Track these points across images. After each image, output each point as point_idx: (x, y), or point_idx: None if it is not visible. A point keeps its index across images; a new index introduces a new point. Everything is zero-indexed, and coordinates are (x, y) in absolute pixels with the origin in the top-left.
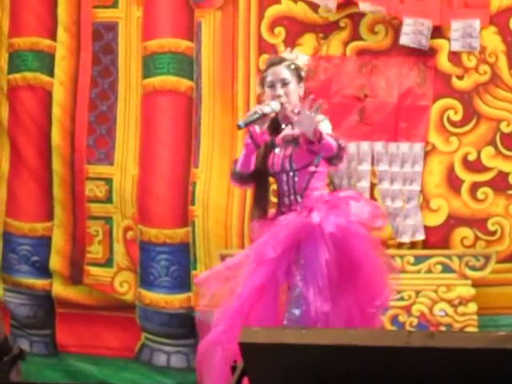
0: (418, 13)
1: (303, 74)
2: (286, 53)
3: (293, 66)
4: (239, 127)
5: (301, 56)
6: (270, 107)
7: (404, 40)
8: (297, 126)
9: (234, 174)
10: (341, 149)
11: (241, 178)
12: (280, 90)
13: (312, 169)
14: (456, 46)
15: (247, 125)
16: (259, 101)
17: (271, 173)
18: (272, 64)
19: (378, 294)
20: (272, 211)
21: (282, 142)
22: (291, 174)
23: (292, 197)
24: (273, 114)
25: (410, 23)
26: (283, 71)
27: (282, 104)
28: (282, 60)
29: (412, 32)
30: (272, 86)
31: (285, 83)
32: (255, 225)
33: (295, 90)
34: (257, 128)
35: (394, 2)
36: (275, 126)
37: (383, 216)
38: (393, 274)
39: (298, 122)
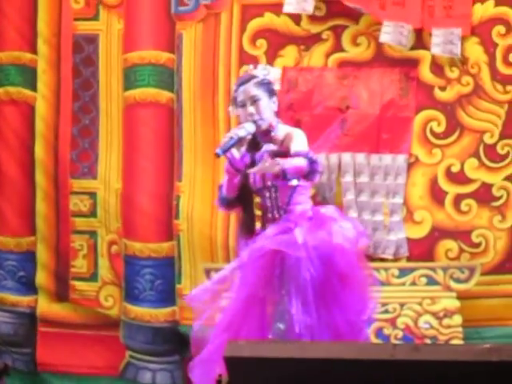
0: (399, 19)
1: (275, 88)
2: (257, 69)
3: (262, 82)
4: (217, 155)
5: (273, 70)
6: (245, 130)
7: (384, 38)
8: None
9: (221, 199)
10: (312, 163)
11: (228, 203)
12: (251, 108)
13: (294, 183)
14: (436, 50)
15: (225, 152)
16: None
17: (254, 190)
18: (241, 83)
19: (364, 307)
20: (257, 226)
21: (262, 159)
22: (273, 189)
23: (275, 212)
24: (249, 136)
25: (390, 24)
26: (252, 89)
27: (255, 122)
28: (250, 78)
29: (392, 31)
30: (243, 105)
31: (255, 100)
32: (242, 243)
33: (267, 105)
34: (235, 152)
35: (374, 8)
36: (254, 144)
37: (365, 233)
38: (375, 286)
39: (258, 170)
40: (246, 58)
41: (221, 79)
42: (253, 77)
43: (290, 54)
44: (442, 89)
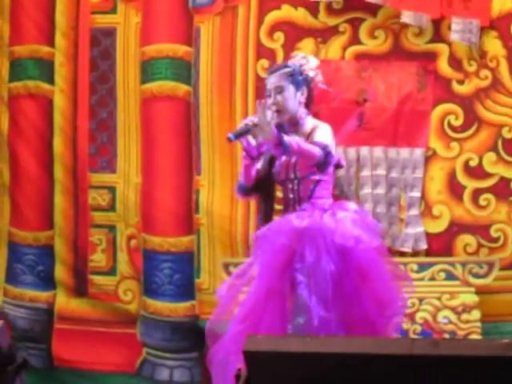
0: (417, 10)
1: (303, 78)
2: (297, 57)
3: (291, 73)
4: (229, 140)
5: (312, 60)
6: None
7: (406, 20)
8: (258, 136)
9: (239, 186)
10: (327, 155)
11: (245, 190)
12: (273, 99)
13: (316, 177)
14: (456, 37)
15: (237, 137)
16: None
17: (277, 181)
18: (270, 72)
19: (389, 303)
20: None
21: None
22: (295, 182)
23: (297, 204)
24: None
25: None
26: (278, 79)
27: (277, 112)
28: (279, 68)
29: (413, 15)
30: (269, 94)
31: (279, 91)
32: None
33: (292, 97)
34: (252, 140)
35: (393, 0)
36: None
37: (382, 230)
38: (404, 282)
39: (257, 132)
40: (263, 51)
41: (238, 72)
42: (282, 67)
43: (307, 47)
44: (460, 82)
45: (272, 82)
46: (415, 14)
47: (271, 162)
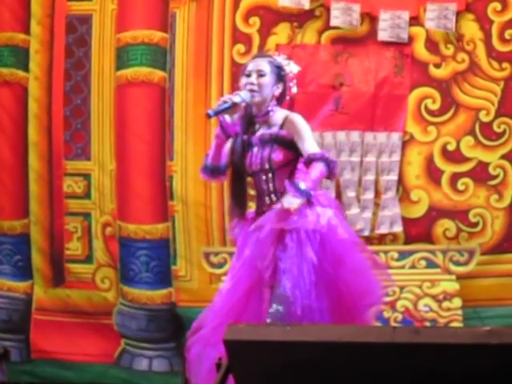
0: (394, 6)
1: (284, 75)
2: (279, 57)
3: (276, 65)
4: (208, 116)
5: (293, 65)
6: (240, 97)
7: (382, 35)
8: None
9: (205, 167)
10: (330, 163)
11: (211, 172)
12: (253, 79)
13: (291, 167)
14: (431, 25)
15: (217, 114)
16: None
17: (249, 172)
18: (255, 56)
19: (368, 292)
20: (251, 210)
21: (259, 142)
22: (270, 173)
23: (273, 195)
24: (243, 104)
25: (386, 18)
26: (263, 64)
27: (251, 92)
28: (267, 56)
29: (389, 27)
30: (248, 75)
31: (261, 75)
32: (234, 225)
33: (270, 84)
34: (227, 118)
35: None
36: (250, 124)
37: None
38: (380, 270)
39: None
40: (239, 36)
41: (214, 58)
42: (270, 56)
43: (283, 32)
44: (437, 66)
45: (256, 64)
46: (391, 28)
47: (243, 153)
